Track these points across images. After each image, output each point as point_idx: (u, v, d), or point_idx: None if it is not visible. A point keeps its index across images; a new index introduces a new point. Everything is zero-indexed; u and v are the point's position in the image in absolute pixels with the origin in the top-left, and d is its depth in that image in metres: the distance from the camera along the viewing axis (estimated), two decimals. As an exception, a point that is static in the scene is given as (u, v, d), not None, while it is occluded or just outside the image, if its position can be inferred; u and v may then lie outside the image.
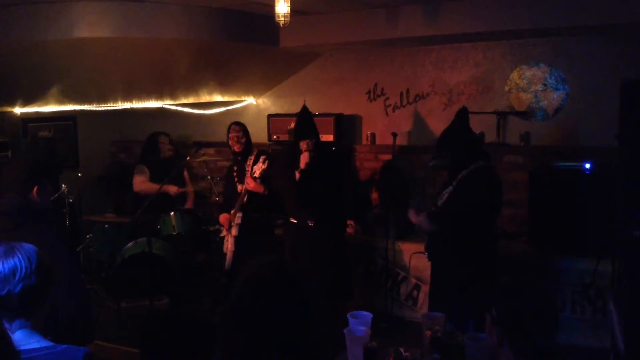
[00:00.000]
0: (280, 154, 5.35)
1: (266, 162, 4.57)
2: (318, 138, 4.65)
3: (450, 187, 3.77)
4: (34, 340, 1.80)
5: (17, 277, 1.76)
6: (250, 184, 4.64)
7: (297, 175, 4.52)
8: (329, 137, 5.85)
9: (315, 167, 4.54)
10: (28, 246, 1.84)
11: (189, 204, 5.89)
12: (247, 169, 4.79)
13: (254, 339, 1.69)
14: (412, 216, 3.77)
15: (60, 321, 2.32)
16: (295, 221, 4.67)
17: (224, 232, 4.85)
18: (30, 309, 1.81)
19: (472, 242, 3.68)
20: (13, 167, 2.75)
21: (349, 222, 4.70)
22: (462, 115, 3.93)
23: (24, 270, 1.77)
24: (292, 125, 5.16)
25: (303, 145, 4.52)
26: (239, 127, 4.86)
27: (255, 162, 4.73)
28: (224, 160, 6.35)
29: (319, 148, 4.62)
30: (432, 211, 3.80)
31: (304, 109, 4.72)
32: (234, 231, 4.72)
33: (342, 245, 4.78)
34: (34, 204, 2.60)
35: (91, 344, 2.61)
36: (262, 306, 1.69)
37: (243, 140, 4.80)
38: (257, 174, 4.60)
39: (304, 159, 4.50)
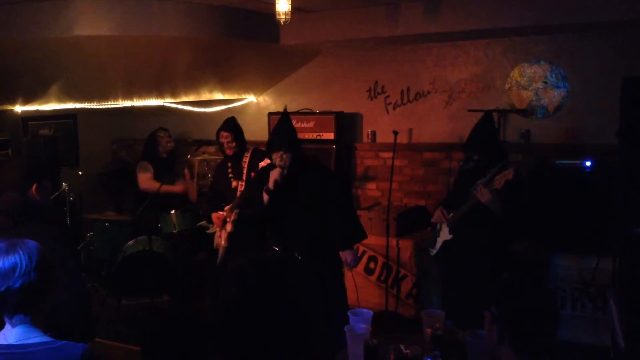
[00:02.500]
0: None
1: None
2: (296, 150, 3.84)
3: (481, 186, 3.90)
4: (34, 336, 1.82)
5: (16, 274, 1.77)
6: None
7: (265, 197, 3.84)
8: (330, 135, 5.86)
9: (291, 187, 3.81)
10: (31, 243, 1.85)
11: (192, 195, 5.87)
12: (243, 166, 4.77)
13: (250, 337, 1.69)
14: (485, 194, 3.84)
15: (60, 320, 2.32)
16: (277, 249, 3.97)
17: (214, 228, 4.84)
18: (29, 305, 1.82)
19: (502, 243, 3.95)
20: (12, 166, 2.75)
21: (341, 254, 3.87)
22: (488, 117, 4.15)
23: (24, 267, 1.79)
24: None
25: (275, 158, 3.80)
26: (227, 134, 4.74)
27: (252, 162, 4.70)
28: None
29: (298, 163, 3.85)
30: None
31: (283, 114, 4.02)
32: (229, 227, 4.70)
33: (336, 289, 3.93)
34: (33, 202, 2.60)
35: (91, 342, 2.61)
36: (257, 306, 1.69)
37: (233, 144, 4.76)
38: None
39: (272, 175, 3.79)
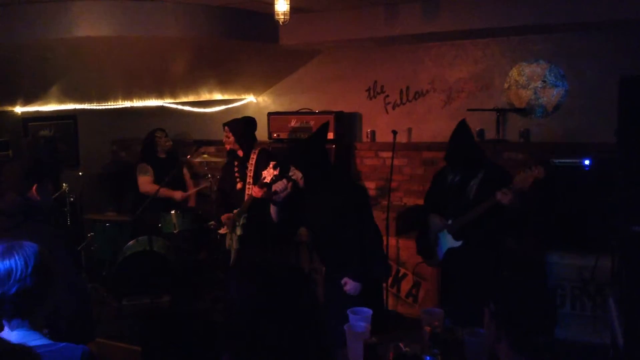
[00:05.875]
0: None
1: (277, 168, 4.28)
2: (309, 171, 3.55)
3: (475, 186, 3.85)
4: (32, 339, 1.80)
5: (12, 279, 1.76)
6: (258, 193, 4.51)
7: (272, 208, 3.60)
8: (329, 135, 5.85)
9: (308, 204, 3.63)
10: (29, 247, 1.83)
11: (191, 203, 5.91)
12: (249, 167, 4.76)
13: (261, 337, 1.69)
14: (508, 196, 3.62)
15: (59, 320, 2.33)
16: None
17: (225, 230, 4.85)
18: (26, 310, 1.81)
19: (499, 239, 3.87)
20: (12, 167, 2.76)
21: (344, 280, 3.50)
22: (463, 126, 3.99)
23: (19, 272, 1.77)
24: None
25: (293, 172, 3.57)
26: (228, 128, 4.86)
27: (259, 163, 4.68)
28: (224, 159, 6.36)
29: (317, 182, 3.58)
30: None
31: (312, 135, 3.83)
32: (239, 231, 4.71)
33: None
34: (34, 203, 2.61)
35: (92, 343, 2.62)
36: (268, 305, 1.69)
37: (231, 140, 4.80)
38: (267, 180, 4.29)
39: (275, 186, 3.57)
